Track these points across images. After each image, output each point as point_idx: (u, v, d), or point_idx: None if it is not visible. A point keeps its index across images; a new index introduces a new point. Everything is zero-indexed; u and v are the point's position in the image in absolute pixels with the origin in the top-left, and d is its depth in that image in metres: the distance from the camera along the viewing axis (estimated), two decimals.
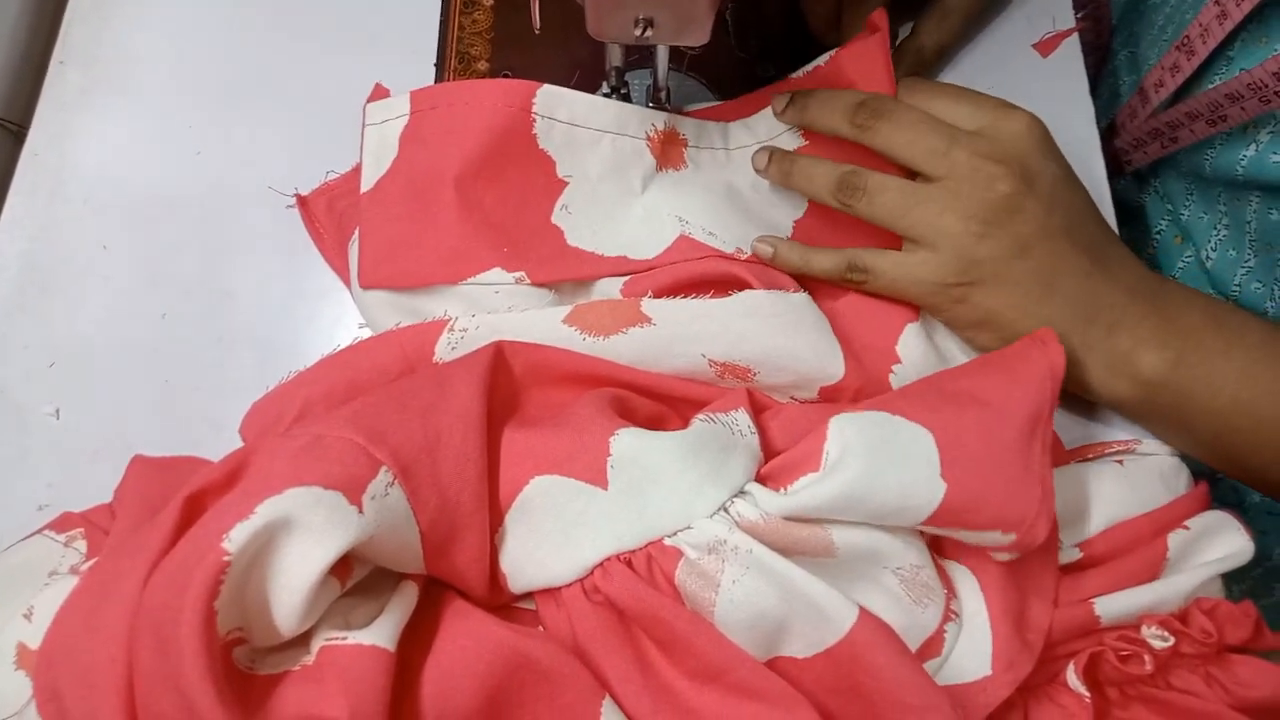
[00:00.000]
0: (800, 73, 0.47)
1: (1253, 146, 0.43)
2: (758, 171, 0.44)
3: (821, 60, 0.46)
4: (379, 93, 0.45)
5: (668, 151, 0.44)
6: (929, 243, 0.39)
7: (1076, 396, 0.42)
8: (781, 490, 0.35)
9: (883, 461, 0.34)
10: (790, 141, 0.45)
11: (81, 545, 0.36)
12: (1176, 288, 0.41)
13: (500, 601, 0.36)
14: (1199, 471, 0.42)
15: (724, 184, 0.45)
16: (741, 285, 0.40)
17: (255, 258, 0.45)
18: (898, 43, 0.49)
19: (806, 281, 0.42)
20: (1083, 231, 0.39)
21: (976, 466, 0.35)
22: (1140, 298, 0.39)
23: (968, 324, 0.40)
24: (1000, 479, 0.35)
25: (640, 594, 0.33)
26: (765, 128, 0.46)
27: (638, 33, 0.37)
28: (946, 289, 0.39)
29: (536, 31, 0.40)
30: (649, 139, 0.43)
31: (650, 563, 0.34)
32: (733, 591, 0.33)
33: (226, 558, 0.28)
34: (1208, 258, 0.50)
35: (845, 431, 0.35)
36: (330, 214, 0.45)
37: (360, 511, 0.30)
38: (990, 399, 0.36)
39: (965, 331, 0.41)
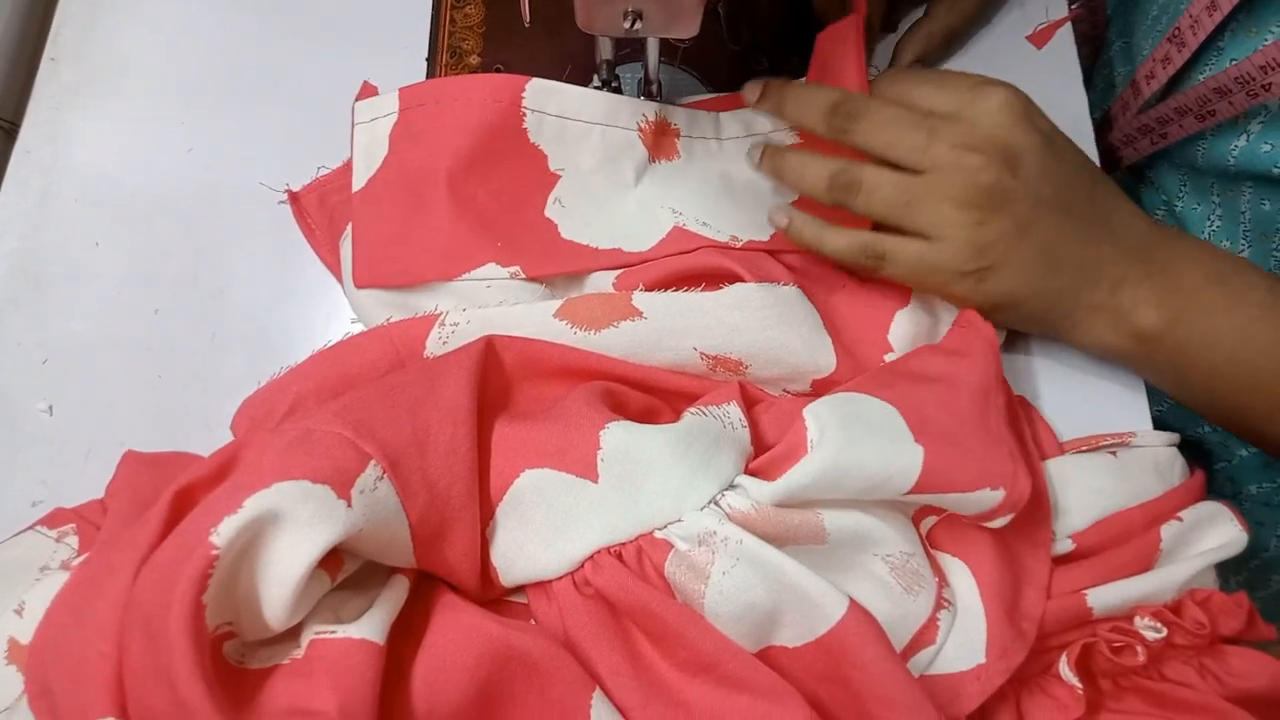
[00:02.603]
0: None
1: (1244, 137, 0.43)
2: (753, 167, 0.44)
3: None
4: (367, 91, 0.45)
5: (660, 142, 0.44)
6: (936, 234, 0.39)
7: (1068, 387, 0.43)
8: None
9: (859, 431, 0.35)
10: (786, 137, 0.45)
11: (73, 540, 0.36)
12: (1182, 243, 0.41)
13: (492, 595, 0.36)
14: (1194, 460, 0.42)
15: (718, 173, 0.44)
16: (733, 278, 0.40)
17: (247, 254, 0.45)
18: (910, 26, 0.48)
19: (799, 275, 0.42)
20: (1078, 195, 0.39)
21: (944, 432, 0.35)
22: (1142, 257, 0.40)
23: (984, 308, 0.40)
24: (971, 442, 0.35)
25: (630, 586, 0.33)
26: (760, 121, 0.46)
27: (627, 25, 0.36)
28: (963, 276, 0.39)
29: (527, 25, 0.39)
30: (640, 129, 0.43)
31: (640, 555, 0.34)
32: (722, 583, 0.33)
33: (215, 552, 0.28)
34: None
35: (820, 413, 0.36)
36: (322, 209, 0.45)
37: (349, 505, 0.30)
38: (938, 376, 0.38)
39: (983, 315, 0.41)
